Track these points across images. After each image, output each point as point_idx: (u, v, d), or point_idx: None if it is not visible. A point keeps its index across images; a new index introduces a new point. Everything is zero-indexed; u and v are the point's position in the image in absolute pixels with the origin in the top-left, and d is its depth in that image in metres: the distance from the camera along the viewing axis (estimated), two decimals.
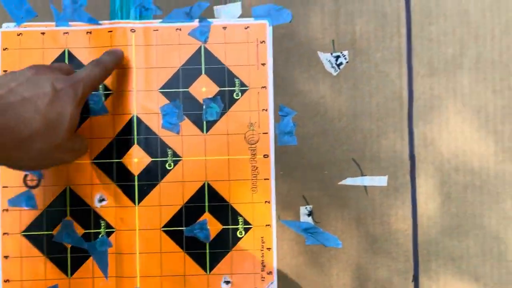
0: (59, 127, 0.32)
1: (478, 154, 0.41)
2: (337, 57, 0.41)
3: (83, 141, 0.38)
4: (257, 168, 0.41)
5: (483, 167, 0.41)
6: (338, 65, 0.41)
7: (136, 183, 0.41)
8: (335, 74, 0.41)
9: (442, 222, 0.41)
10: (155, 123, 0.41)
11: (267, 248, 0.41)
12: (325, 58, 0.41)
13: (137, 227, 0.41)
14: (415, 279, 0.41)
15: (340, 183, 0.41)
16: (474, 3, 0.41)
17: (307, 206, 0.41)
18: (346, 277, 0.41)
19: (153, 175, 0.41)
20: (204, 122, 0.41)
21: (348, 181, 0.41)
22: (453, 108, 0.41)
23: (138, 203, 0.41)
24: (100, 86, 0.42)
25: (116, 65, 0.40)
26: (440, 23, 0.41)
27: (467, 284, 0.40)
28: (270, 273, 0.41)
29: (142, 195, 0.41)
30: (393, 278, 0.41)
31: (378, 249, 0.41)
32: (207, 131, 0.41)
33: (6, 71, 0.41)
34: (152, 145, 0.41)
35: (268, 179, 0.41)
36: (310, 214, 0.41)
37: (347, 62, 0.41)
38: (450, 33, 0.41)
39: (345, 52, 0.41)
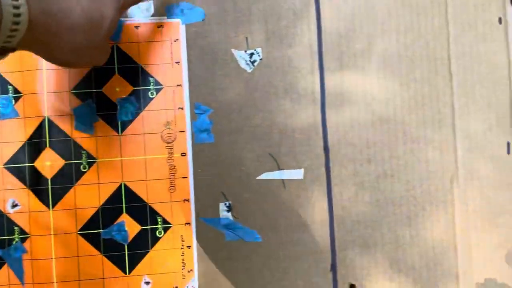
0: (100, 26, 0.31)
1: (388, 145, 0.42)
2: (251, 54, 0.42)
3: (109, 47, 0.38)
4: (174, 166, 0.41)
5: (393, 157, 0.42)
6: (253, 62, 0.42)
7: (49, 186, 0.40)
8: (249, 71, 0.42)
9: (356, 211, 0.42)
10: (67, 125, 0.40)
11: (187, 246, 0.41)
12: (239, 55, 0.42)
13: (52, 231, 0.40)
14: (333, 268, 0.42)
15: (258, 178, 0.42)
16: (380, 0, 0.43)
17: (226, 202, 0.41)
18: (266, 270, 0.41)
19: (67, 178, 0.40)
20: (119, 123, 0.41)
21: (266, 176, 0.42)
22: (363, 101, 0.42)
23: (53, 207, 0.40)
24: (10, 89, 0.40)
25: None
26: (348, 19, 0.42)
27: (382, 270, 0.42)
28: (190, 271, 0.41)
29: (56, 198, 0.40)
30: (311, 269, 0.42)
31: (297, 241, 0.42)
32: (122, 131, 0.41)
33: None
34: (65, 147, 0.40)
35: (186, 177, 0.41)
36: (229, 210, 0.42)
37: (261, 59, 0.42)
38: (358, 29, 0.43)
39: (259, 49, 0.42)
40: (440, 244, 0.42)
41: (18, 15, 0.26)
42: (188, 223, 0.41)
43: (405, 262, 0.42)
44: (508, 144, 0.43)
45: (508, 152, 0.43)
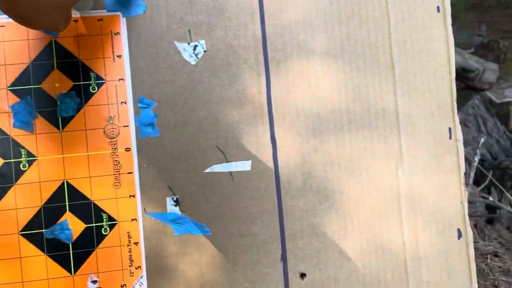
0: None
1: (334, 133, 0.43)
2: (195, 46, 0.42)
3: None
4: (119, 162, 0.40)
5: (339, 145, 0.43)
6: (196, 55, 0.42)
7: None
8: (193, 63, 0.42)
9: (305, 200, 0.42)
10: (5, 123, 0.39)
11: (134, 243, 0.40)
12: (183, 48, 0.42)
13: None
14: (283, 258, 0.42)
15: (205, 171, 0.41)
16: None
17: (173, 196, 0.41)
18: (217, 263, 0.41)
19: (6, 178, 0.39)
20: (60, 119, 0.40)
21: (214, 169, 0.42)
22: (308, 91, 0.42)
23: None
24: None
25: None
26: (291, 10, 0.43)
27: (332, 258, 0.42)
28: (138, 267, 0.40)
29: None
30: (262, 260, 0.42)
31: (246, 233, 0.42)
32: (63, 128, 0.40)
33: None
34: (4, 145, 0.39)
35: (131, 172, 0.40)
36: (176, 204, 0.41)
37: (205, 51, 0.42)
38: (301, 20, 0.43)
39: (202, 42, 0.42)
40: (386, 231, 0.43)
41: None
42: (135, 219, 0.40)
43: (354, 249, 0.43)
44: (450, 129, 0.44)
45: (450, 137, 0.44)
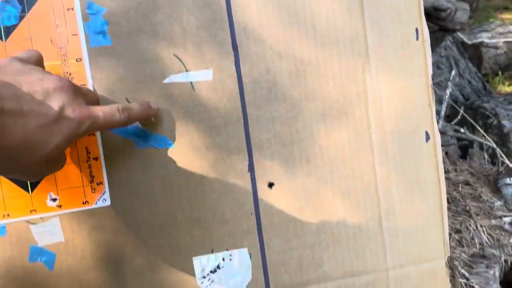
0: (37, 151, 0.30)
1: (299, 39, 0.41)
2: None
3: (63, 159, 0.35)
4: (70, 74, 0.38)
5: (304, 51, 0.41)
6: None
7: None
8: None
9: (271, 109, 0.41)
10: None
11: (94, 158, 0.39)
12: None
13: None
14: (251, 168, 0.41)
15: (164, 81, 0.39)
16: None
17: None
18: (182, 176, 0.40)
19: None
20: (2, 28, 0.37)
21: (173, 79, 0.39)
22: None
23: None
24: None
25: (142, 119, 0.38)
26: None
27: (299, 166, 0.41)
28: (100, 183, 0.39)
29: None
30: (229, 171, 0.41)
31: (212, 145, 0.40)
32: (6, 38, 0.37)
33: None
34: None
35: (84, 84, 0.38)
36: None
37: None
38: None
39: None
40: (354, 136, 0.42)
41: None
42: (92, 134, 0.38)
43: (321, 157, 0.42)
44: (417, 30, 0.42)
45: (417, 39, 0.42)
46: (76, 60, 0.38)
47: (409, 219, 0.43)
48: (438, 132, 0.43)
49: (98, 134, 0.38)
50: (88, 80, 0.38)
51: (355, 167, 0.42)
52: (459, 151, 1.48)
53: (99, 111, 0.33)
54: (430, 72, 0.43)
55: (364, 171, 0.42)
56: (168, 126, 0.40)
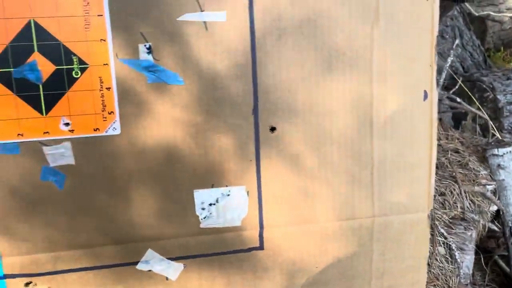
0: None
1: None
2: None
3: None
4: (88, 3, 0.39)
5: (316, 1, 0.42)
6: None
7: None
8: None
9: (279, 56, 0.42)
10: None
11: (107, 88, 0.40)
12: None
13: None
14: (255, 111, 0.43)
15: (178, 19, 0.40)
16: None
17: (146, 43, 0.40)
18: (190, 114, 0.42)
19: None
20: None
21: (187, 17, 0.41)
22: None
23: None
24: None
25: None
26: None
27: (302, 113, 0.43)
28: (111, 113, 0.41)
29: None
30: (234, 112, 0.43)
31: (220, 85, 0.42)
32: None
33: None
34: None
35: (101, 15, 0.39)
36: (149, 51, 0.40)
37: None
38: None
39: None
40: (356, 89, 0.44)
41: None
42: (106, 64, 0.40)
43: (324, 106, 0.44)
44: None
45: None
46: None
47: (399, 171, 0.46)
48: (437, 92, 0.45)
49: (112, 65, 0.40)
50: (105, 10, 0.39)
51: (354, 118, 0.44)
52: (451, 121, 1.50)
53: None
54: (436, 33, 0.44)
55: (362, 123, 0.44)
56: (179, 64, 0.41)
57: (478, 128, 1.51)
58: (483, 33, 2.09)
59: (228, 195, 0.44)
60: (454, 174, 0.95)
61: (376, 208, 0.46)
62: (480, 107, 1.38)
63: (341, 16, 0.42)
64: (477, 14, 1.88)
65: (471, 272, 0.79)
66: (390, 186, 0.46)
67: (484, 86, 1.60)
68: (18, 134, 0.39)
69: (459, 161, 1.00)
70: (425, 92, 0.45)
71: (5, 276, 0.41)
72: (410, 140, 0.45)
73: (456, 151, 1.05)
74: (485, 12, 1.94)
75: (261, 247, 0.45)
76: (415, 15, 0.43)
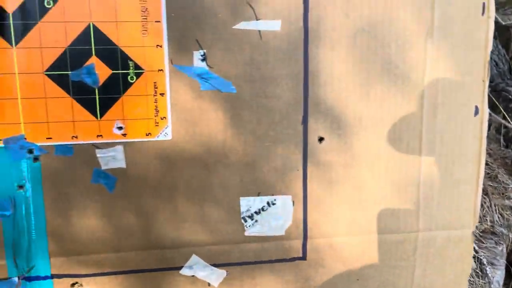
0: None
1: (367, 0, 0.41)
2: None
3: None
4: (147, 9, 0.39)
5: (371, 11, 0.42)
6: None
7: (11, 22, 0.37)
8: None
9: (331, 66, 0.42)
10: None
11: (160, 94, 0.40)
12: None
13: (16, 70, 0.38)
14: (304, 121, 0.43)
15: (234, 27, 0.40)
16: None
17: (200, 50, 0.40)
18: (239, 120, 0.42)
19: (30, 13, 0.37)
20: None
21: (242, 25, 0.41)
22: None
23: (16, 44, 0.37)
24: None
25: None
26: None
27: (351, 124, 0.43)
28: (164, 118, 0.41)
29: (19, 35, 0.37)
30: (284, 121, 0.42)
31: (271, 93, 0.42)
32: None
33: None
34: None
35: (159, 21, 0.39)
36: (204, 59, 0.41)
37: None
38: None
39: None
40: (407, 102, 0.43)
41: None
42: (161, 70, 0.40)
43: (374, 118, 0.43)
44: (484, 4, 0.43)
45: (483, 14, 0.43)
46: None
47: (446, 187, 0.45)
48: (487, 108, 0.44)
49: (166, 71, 0.40)
50: (163, 16, 0.39)
51: (402, 132, 0.44)
52: None
53: None
54: (490, 48, 0.43)
55: (411, 137, 0.44)
56: (232, 71, 0.41)
57: (502, 140, 1.49)
58: (508, 42, 2.07)
59: (274, 204, 0.44)
60: (484, 186, 0.94)
61: (421, 222, 0.46)
62: (507, 116, 1.36)
63: (395, 28, 0.42)
64: (504, 23, 1.86)
65: (501, 287, 0.78)
66: (437, 201, 0.45)
67: (510, 96, 1.58)
68: (73, 137, 0.40)
69: (488, 173, 0.99)
70: (476, 107, 0.44)
71: (52, 276, 0.42)
72: (459, 156, 0.45)
73: (486, 163, 1.04)
74: (511, 21, 1.91)
75: (304, 257, 0.45)
76: (469, 29, 0.43)
